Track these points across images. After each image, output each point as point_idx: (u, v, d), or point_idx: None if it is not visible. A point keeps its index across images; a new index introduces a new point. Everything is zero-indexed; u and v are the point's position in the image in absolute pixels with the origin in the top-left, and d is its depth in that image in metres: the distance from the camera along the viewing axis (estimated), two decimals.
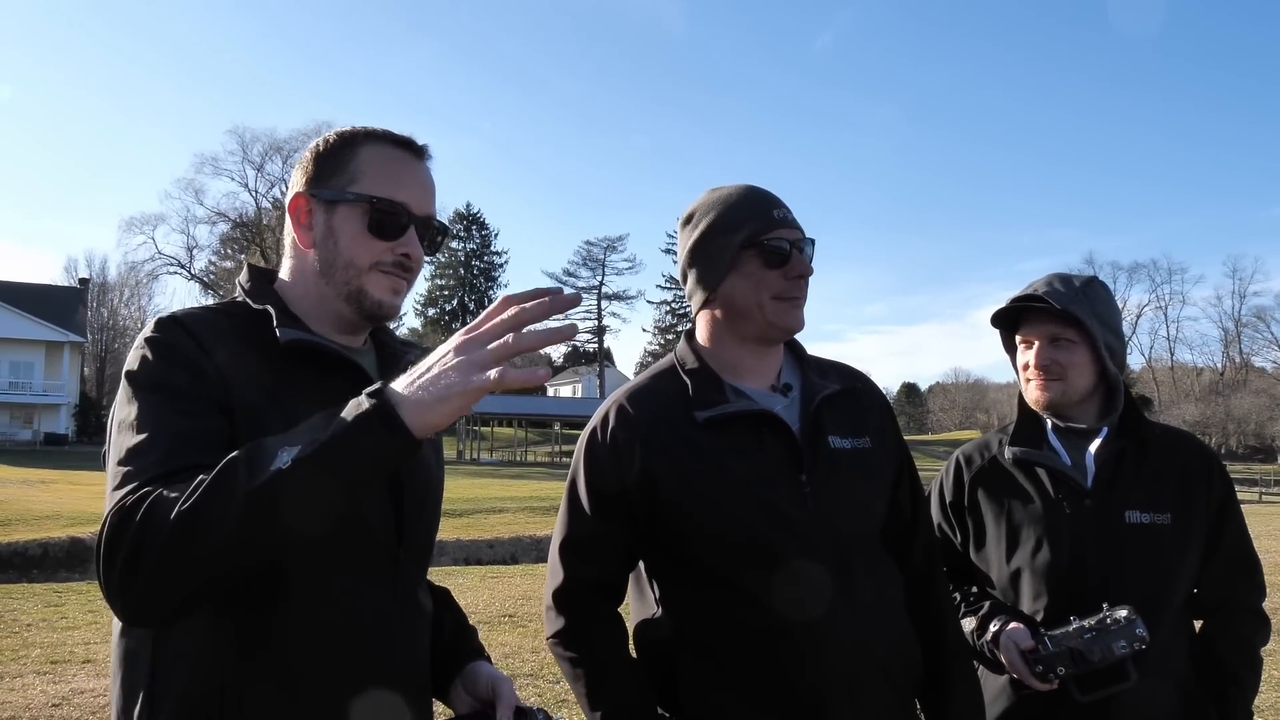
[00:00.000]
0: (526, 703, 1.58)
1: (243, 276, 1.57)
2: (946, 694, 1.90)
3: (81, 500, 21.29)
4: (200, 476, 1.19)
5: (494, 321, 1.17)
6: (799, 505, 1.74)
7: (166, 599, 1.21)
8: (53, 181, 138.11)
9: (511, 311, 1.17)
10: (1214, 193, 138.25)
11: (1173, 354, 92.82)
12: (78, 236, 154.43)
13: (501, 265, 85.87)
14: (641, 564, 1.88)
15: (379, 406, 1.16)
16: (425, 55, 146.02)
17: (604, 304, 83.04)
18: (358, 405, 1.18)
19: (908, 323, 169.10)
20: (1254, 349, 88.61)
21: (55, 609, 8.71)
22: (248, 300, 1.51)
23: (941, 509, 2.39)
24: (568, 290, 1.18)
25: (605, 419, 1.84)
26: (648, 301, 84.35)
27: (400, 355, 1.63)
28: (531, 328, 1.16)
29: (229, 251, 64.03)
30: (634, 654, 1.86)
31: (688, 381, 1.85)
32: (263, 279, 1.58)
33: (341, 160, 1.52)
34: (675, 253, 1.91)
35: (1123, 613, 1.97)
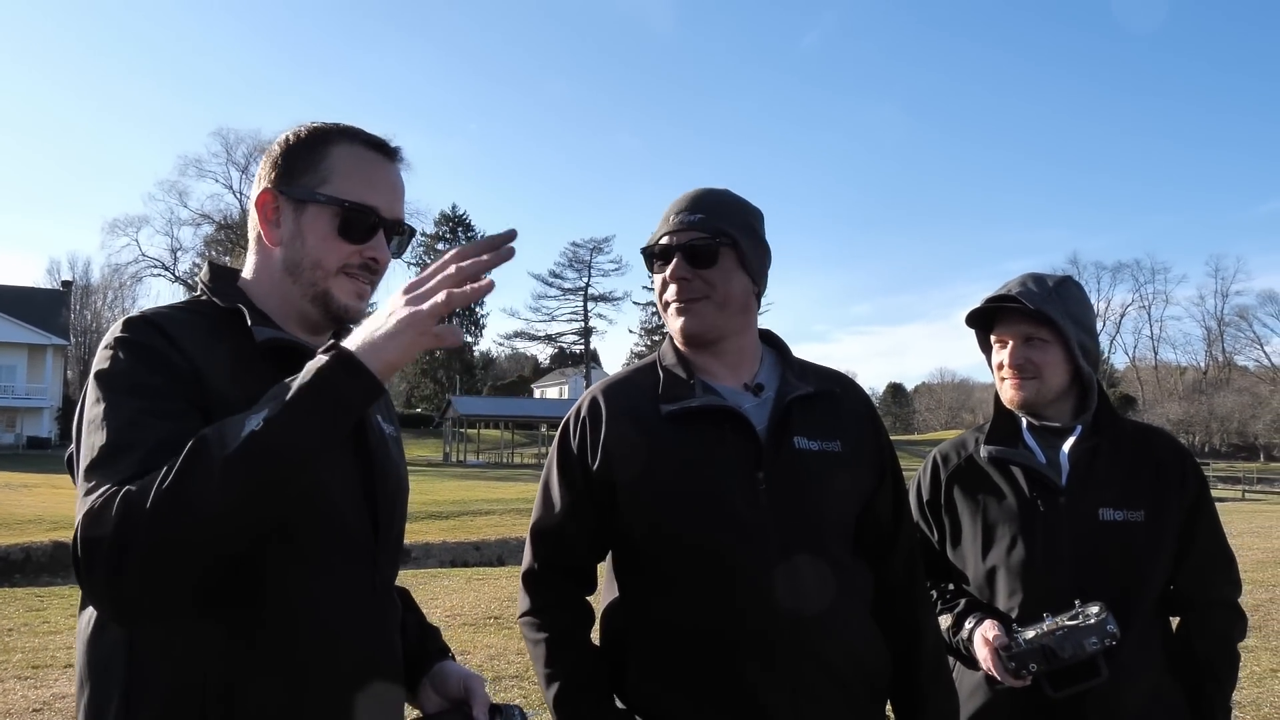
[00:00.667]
0: (503, 702, 1.59)
1: (204, 274, 1.55)
2: (920, 710, 1.91)
3: (64, 504, 21.13)
4: (173, 461, 1.18)
5: (439, 272, 1.25)
6: (752, 502, 1.75)
7: (161, 594, 1.20)
8: (35, 183, 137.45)
9: (452, 253, 1.25)
10: (1198, 192, 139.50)
11: (1156, 353, 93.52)
12: (61, 238, 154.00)
13: None
14: (610, 553, 1.91)
15: (338, 355, 1.22)
16: (411, 56, 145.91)
17: (590, 305, 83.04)
18: (316, 361, 1.23)
19: (893, 323, 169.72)
20: (1236, 348, 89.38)
21: (37, 613, 8.65)
22: (214, 299, 1.48)
23: (919, 507, 2.41)
24: (510, 236, 1.27)
25: (579, 409, 1.89)
26: (634, 303, 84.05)
27: None
28: (473, 260, 1.24)
29: (213, 254, 63.61)
30: (596, 639, 1.90)
31: (661, 376, 1.87)
32: (226, 277, 1.56)
33: (313, 158, 1.50)
34: None
35: (1094, 609, 1.99)
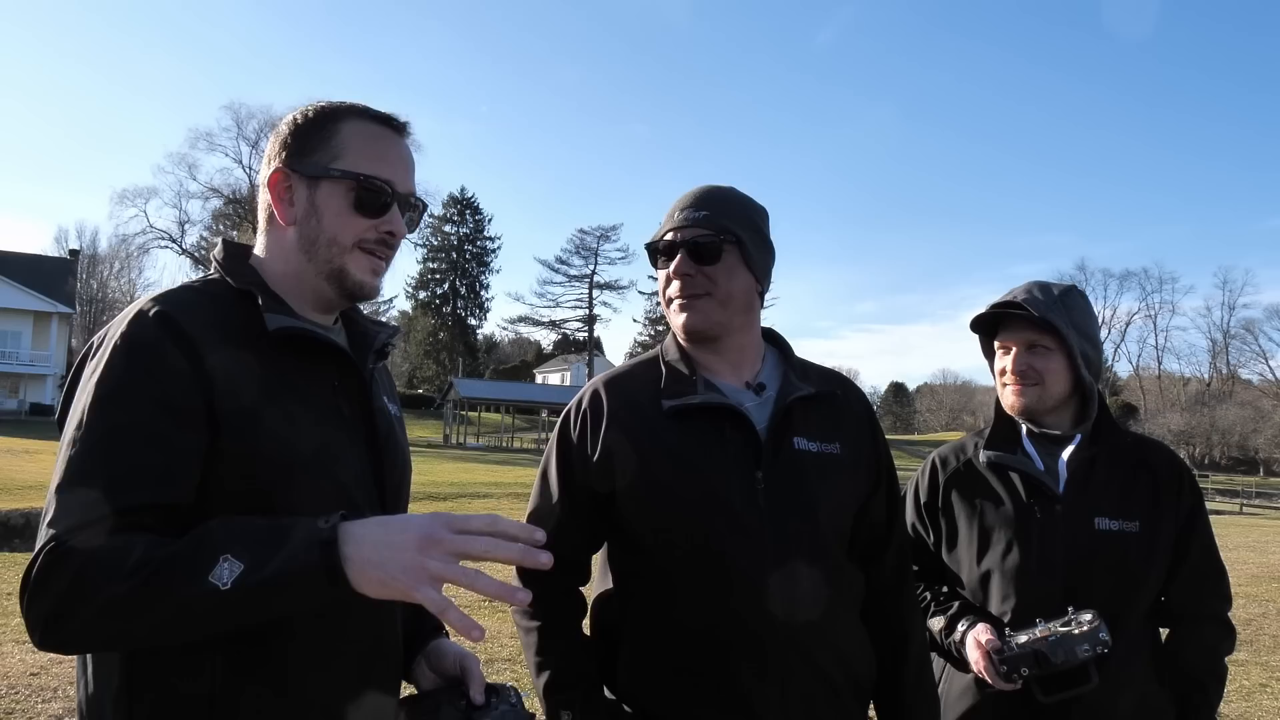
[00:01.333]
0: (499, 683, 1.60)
1: (218, 252, 1.53)
2: (902, 714, 1.93)
3: None
4: (140, 555, 1.17)
5: (466, 540, 1.18)
6: (750, 502, 1.76)
7: (84, 650, 1.32)
8: (44, 151, 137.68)
9: (485, 543, 1.18)
10: (1208, 204, 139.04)
11: (1160, 363, 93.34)
12: (69, 207, 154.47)
13: (494, 251, 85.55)
14: (605, 545, 1.93)
15: (329, 562, 1.17)
16: (424, 35, 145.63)
17: (595, 293, 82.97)
18: (310, 546, 1.18)
19: (898, 322, 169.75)
20: (1241, 361, 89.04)
21: None
22: (228, 279, 1.47)
23: (916, 509, 2.42)
24: (544, 555, 1.20)
25: (580, 401, 1.90)
26: (639, 292, 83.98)
27: (371, 335, 1.62)
28: (488, 566, 1.21)
29: (221, 228, 63.36)
30: (587, 630, 1.92)
31: (664, 371, 1.88)
32: (240, 255, 1.55)
33: (324, 135, 1.49)
34: None
35: (1087, 617, 2.01)
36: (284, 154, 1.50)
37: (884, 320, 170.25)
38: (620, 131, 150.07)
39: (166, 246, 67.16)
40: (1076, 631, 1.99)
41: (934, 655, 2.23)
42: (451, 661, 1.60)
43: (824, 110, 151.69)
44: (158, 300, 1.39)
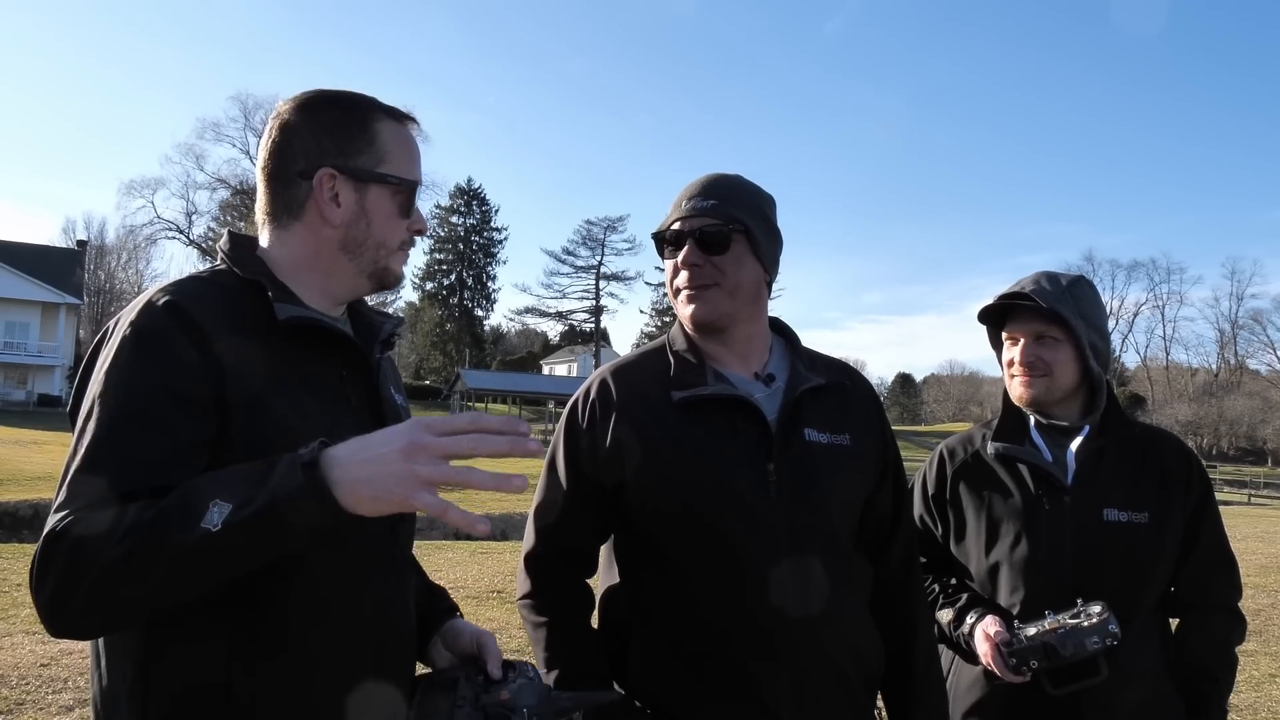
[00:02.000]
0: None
1: (224, 243, 1.53)
2: (911, 705, 1.92)
3: None
4: (131, 519, 1.17)
5: (452, 439, 1.16)
6: (762, 493, 1.75)
7: (96, 629, 1.29)
8: (52, 142, 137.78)
9: (471, 439, 1.17)
10: (1216, 194, 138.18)
11: (1168, 353, 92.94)
12: (76, 198, 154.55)
13: (501, 242, 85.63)
14: (612, 537, 1.91)
15: (313, 483, 1.15)
16: (430, 25, 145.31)
17: (602, 284, 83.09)
18: (293, 471, 1.16)
19: (905, 313, 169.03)
20: (1249, 351, 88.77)
21: None
22: (235, 269, 1.47)
23: (924, 501, 2.42)
24: (532, 443, 1.18)
25: (588, 391, 1.88)
26: (646, 283, 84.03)
27: (376, 325, 1.63)
28: (480, 466, 1.18)
29: (229, 218, 63.73)
30: (595, 623, 1.91)
31: (672, 361, 1.86)
32: (245, 246, 1.54)
33: (366, 136, 1.51)
34: None
35: (1096, 609, 2.00)
36: (327, 153, 1.49)
37: (891, 311, 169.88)
38: (627, 122, 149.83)
39: (174, 237, 67.64)
40: (1086, 624, 1.99)
41: (943, 647, 2.23)
42: (468, 640, 1.60)
43: (832, 101, 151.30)
44: (167, 290, 1.39)
